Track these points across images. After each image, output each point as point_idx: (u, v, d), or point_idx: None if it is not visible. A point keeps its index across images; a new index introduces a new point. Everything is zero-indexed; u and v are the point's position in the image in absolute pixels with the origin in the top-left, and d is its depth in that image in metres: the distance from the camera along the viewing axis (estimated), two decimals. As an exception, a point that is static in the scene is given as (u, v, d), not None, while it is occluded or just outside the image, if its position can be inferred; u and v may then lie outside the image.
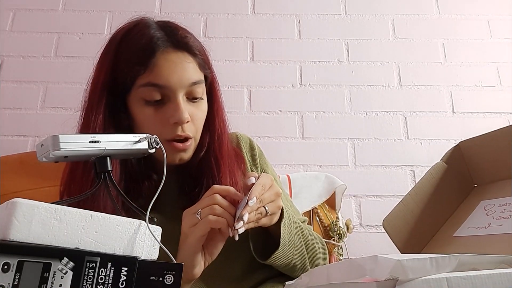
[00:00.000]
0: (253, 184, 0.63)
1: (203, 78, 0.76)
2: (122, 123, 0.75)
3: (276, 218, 0.68)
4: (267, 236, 0.74)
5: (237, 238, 0.61)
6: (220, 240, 0.66)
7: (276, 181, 0.89)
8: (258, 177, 0.65)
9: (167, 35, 0.75)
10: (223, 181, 0.76)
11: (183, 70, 0.73)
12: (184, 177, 0.79)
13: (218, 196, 0.63)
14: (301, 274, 0.50)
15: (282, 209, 0.69)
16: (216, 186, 0.65)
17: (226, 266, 0.76)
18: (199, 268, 0.64)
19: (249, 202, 0.61)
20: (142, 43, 0.73)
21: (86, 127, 0.74)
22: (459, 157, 0.82)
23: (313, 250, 0.79)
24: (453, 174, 0.81)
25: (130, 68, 0.72)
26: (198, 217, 0.62)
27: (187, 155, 0.76)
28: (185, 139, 0.74)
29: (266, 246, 0.73)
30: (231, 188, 0.65)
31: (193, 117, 0.74)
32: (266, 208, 0.64)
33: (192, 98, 0.75)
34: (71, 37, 1.56)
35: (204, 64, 0.78)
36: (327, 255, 0.84)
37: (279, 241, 0.70)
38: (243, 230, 0.60)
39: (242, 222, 0.59)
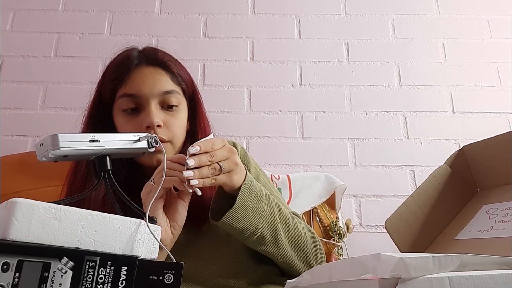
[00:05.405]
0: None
1: (177, 90, 0.82)
2: None
3: (237, 178, 0.69)
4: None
5: (199, 193, 0.64)
6: (180, 203, 0.68)
7: (269, 182, 0.91)
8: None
9: (144, 55, 0.83)
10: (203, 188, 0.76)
11: (154, 81, 0.79)
12: None
13: (168, 162, 0.65)
14: (303, 272, 0.50)
15: (246, 176, 0.71)
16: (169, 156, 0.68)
17: (213, 264, 0.77)
18: (165, 233, 0.66)
19: (189, 149, 0.63)
20: (121, 62, 0.82)
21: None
22: (463, 161, 0.82)
23: (296, 231, 0.78)
24: (457, 177, 0.81)
25: (111, 84, 0.80)
26: (152, 183, 0.66)
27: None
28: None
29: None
30: (183, 155, 0.67)
31: (167, 123, 0.79)
32: (221, 164, 0.65)
33: (167, 106, 0.80)
34: (71, 37, 1.56)
35: (182, 81, 0.84)
36: (318, 243, 0.83)
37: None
38: (198, 183, 0.63)
39: (191, 172, 0.62)
